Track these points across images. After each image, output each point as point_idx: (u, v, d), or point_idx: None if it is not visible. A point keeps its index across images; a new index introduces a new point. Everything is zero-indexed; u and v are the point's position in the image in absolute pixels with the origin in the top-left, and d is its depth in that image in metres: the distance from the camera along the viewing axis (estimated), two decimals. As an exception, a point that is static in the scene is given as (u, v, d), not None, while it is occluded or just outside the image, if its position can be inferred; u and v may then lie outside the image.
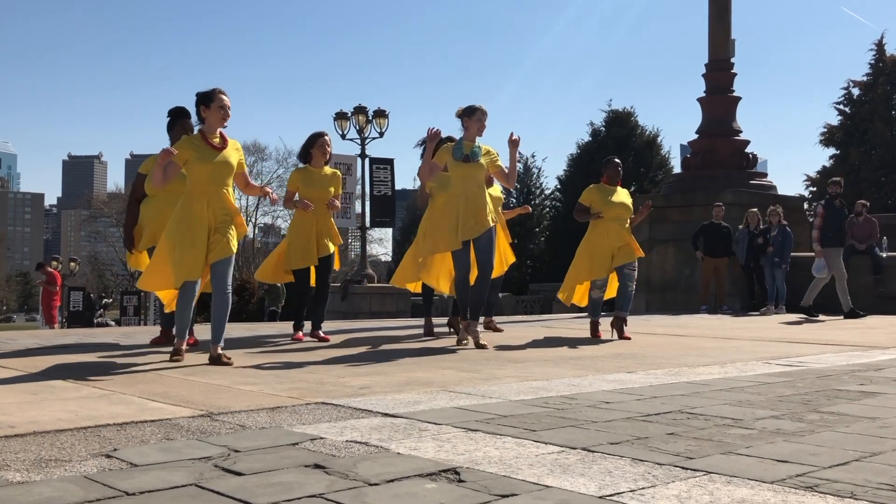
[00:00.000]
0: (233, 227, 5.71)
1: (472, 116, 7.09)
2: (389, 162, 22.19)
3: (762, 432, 3.36)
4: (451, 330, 8.26)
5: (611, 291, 8.33)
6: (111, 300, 37.73)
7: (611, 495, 2.40)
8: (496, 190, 8.55)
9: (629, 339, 7.98)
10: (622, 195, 8.25)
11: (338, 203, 7.56)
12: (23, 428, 3.28)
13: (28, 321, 75.13)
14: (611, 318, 8.23)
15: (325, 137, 7.54)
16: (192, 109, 5.89)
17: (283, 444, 3.05)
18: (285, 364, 5.68)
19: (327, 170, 7.51)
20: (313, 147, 7.49)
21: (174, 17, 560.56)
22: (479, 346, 6.94)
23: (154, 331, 7.43)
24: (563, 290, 8.41)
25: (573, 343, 7.65)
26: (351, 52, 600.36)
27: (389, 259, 52.20)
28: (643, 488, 2.47)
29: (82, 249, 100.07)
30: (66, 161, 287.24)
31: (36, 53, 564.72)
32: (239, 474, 2.61)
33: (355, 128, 23.52)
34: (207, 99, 5.67)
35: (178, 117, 6.75)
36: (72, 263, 37.11)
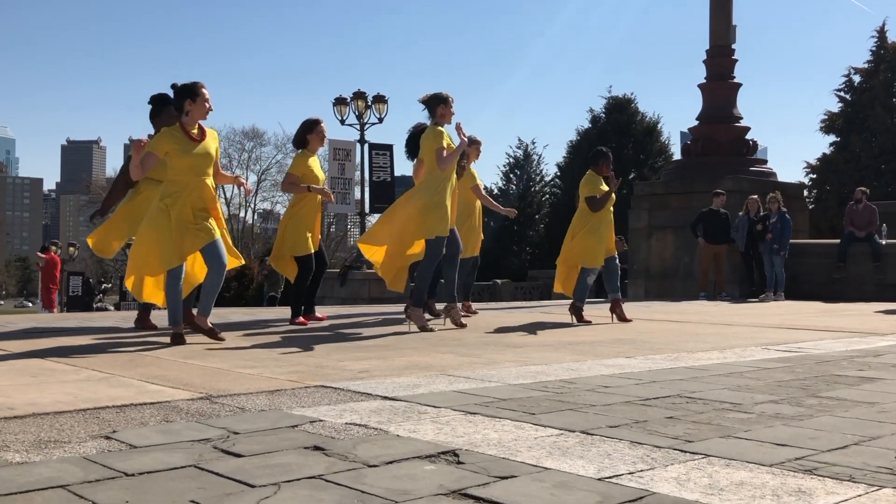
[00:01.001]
0: (212, 219, 5.82)
1: (446, 104, 7.17)
2: (389, 148, 22.15)
3: (761, 416, 3.36)
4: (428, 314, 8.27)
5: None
6: (110, 285, 37.71)
7: (609, 477, 2.40)
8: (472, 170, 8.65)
9: (630, 321, 8.19)
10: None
11: None
12: (22, 410, 3.29)
13: (17, 307, 73.27)
14: (608, 304, 8.36)
15: (323, 124, 7.57)
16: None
17: (283, 427, 3.06)
18: (284, 348, 5.68)
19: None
20: (311, 133, 7.47)
21: (173, 3, 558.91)
22: (423, 329, 6.97)
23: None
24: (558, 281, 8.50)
25: (572, 329, 7.66)
26: (351, 37, 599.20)
27: (388, 245, 52.08)
28: (642, 471, 2.48)
29: (81, 234, 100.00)
30: (64, 146, 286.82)
31: (35, 37, 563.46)
32: (238, 456, 2.62)
33: (354, 113, 23.50)
34: (193, 93, 5.79)
35: (162, 105, 6.73)
36: (71, 248, 37.09)
